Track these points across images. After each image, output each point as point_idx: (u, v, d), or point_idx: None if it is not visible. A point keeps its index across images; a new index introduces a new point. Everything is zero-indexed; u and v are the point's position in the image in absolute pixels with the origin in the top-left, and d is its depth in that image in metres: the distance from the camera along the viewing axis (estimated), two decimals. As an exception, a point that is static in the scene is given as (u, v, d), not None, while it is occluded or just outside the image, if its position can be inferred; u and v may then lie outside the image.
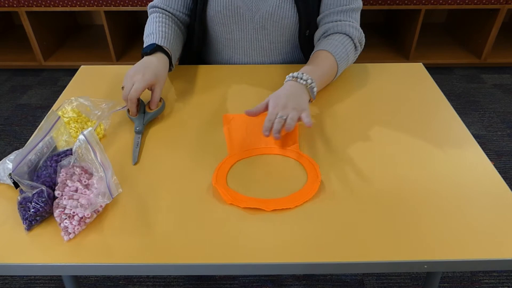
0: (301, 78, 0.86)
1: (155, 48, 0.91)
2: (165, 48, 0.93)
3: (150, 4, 1.04)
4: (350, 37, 0.97)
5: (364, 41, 1.01)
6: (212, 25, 1.05)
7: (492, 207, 0.67)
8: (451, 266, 0.60)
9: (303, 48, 1.06)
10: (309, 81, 0.86)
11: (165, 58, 0.92)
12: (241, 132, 0.84)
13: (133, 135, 0.84)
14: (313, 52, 0.98)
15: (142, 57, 0.92)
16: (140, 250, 0.61)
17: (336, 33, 0.97)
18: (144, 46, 0.95)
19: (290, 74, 0.88)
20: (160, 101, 0.90)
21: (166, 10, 1.03)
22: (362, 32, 0.99)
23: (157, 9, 1.03)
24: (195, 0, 1.02)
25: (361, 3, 1.00)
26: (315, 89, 0.87)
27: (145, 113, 0.87)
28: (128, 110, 0.88)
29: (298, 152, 0.79)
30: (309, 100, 0.87)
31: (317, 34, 1.01)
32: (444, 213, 0.66)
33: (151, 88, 0.88)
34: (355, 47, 0.99)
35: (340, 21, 0.97)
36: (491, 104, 2.20)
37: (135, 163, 0.76)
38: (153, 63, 0.89)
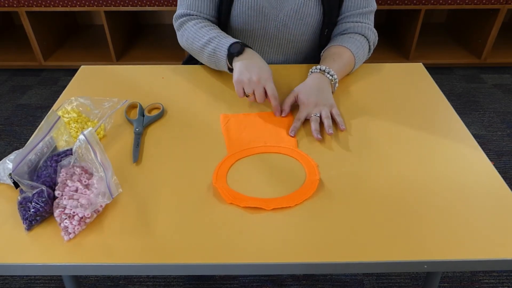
0: (328, 73, 0.92)
1: (242, 47, 0.91)
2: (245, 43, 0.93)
3: (180, 13, 1.02)
4: (367, 39, 1.03)
5: (376, 43, 1.06)
6: (233, 25, 1.04)
7: (492, 207, 0.67)
8: (451, 266, 0.60)
9: (322, 47, 1.07)
10: (335, 76, 0.93)
11: (254, 52, 0.92)
12: (240, 131, 0.84)
13: (133, 136, 0.84)
14: (333, 44, 1.02)
15: (230, 58, 0.91)
16: (140, 250, 0.61)
17: (355, 33, 1.03)
18: (209, 51, 0.94)
19: (318, 67, 0.93)
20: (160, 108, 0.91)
21: (200, 17, 1.01)
22: (376, 33, 1.05)
23: (193, 16, 1.01)
24: (221, 2, 1.01)
25: (375, 4, 1.05)
26: (336, 85, 0.94)
27: (144, 116, 0.88)
28: (126, 112, 0.89)
29: (297, 150, 0.79)
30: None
31: (335, 32, 1.06)
32: (444, 213, 0.66)
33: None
34: (369, 49, 1.06)
35: (359, 22, 1.03)
36: (491, 104, 2.20)
37: (135, 162, 0.77)
38: (258, 60, 0.89)
